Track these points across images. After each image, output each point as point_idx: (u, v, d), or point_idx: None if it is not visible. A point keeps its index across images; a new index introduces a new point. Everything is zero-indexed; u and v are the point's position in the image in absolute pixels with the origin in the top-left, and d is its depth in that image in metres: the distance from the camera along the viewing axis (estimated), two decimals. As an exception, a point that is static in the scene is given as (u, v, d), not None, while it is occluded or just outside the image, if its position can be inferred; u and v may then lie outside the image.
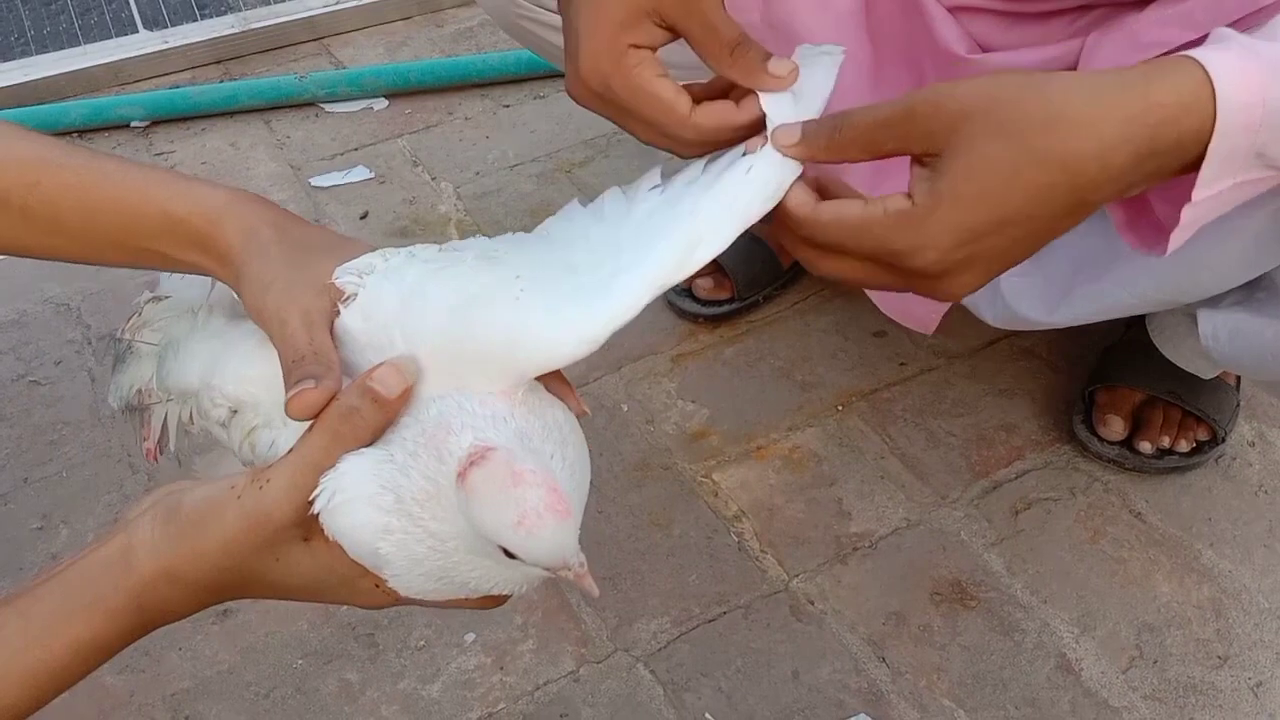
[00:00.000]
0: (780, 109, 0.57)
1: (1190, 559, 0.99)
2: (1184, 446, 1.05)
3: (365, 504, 0.48)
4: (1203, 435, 1.06)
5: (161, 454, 0.63)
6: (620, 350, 1.19)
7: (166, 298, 0.64)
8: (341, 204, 1.40)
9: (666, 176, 0.58)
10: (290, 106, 1.55)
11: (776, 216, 0.56)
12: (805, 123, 0.56)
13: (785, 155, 0.55)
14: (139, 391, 0.63)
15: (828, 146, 0.55)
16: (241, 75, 1.61)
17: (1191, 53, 0.53)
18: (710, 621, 0.96)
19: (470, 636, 0.94)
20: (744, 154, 0.56)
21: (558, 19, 0.97)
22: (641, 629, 0.95)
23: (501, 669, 0.92)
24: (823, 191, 0.57)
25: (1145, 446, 1.05)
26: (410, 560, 0.49)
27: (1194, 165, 0.53)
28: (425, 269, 0.54)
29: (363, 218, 1.38)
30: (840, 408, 1.14)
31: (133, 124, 1.51)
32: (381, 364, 0.50)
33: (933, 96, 0.53)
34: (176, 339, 0.60)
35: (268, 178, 1.44)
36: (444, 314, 0.51)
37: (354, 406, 0.49)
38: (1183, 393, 1.05)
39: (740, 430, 1.12)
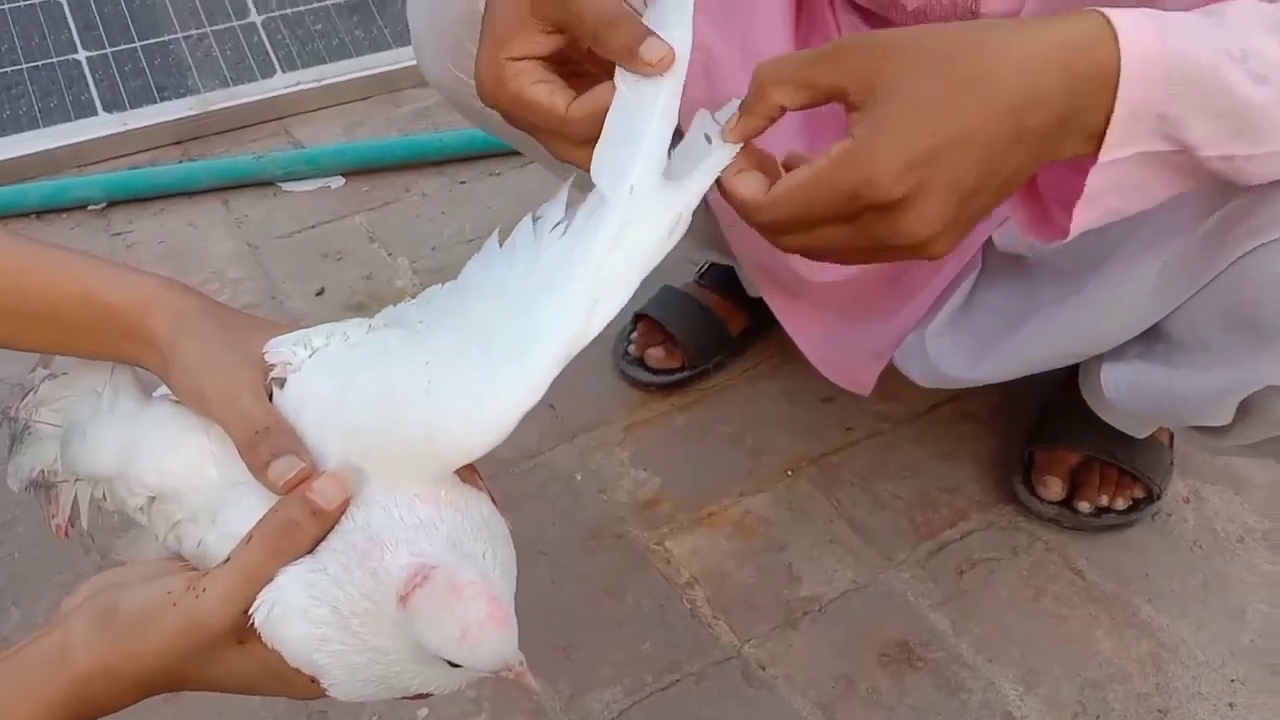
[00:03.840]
0: (633, 82, 0.55)
1: (1130, 615, 1.02)
2: (1121, 504, 1.09)
3: (301, 616, 0.49)
4: (1139, 493, 1.09)
5: (73, 528, 0.62)
6: (574, 420, 1.21)
7: (63, 374, 0.63)
8: (298, 280, 1.42)
9: (572, 201, 0.56)
10: (248, 186, 1.57)
11: (739, 212, 0.56)
12: (742, 101, 0.56)
13: (729, 140, 0.55)
14: (42, 472, 0.62)
15: (763, 95, 0.55)
16: (201, 156, 1.63)
17: (1088, 9, 0.56)
18: (663, 690, 0.97)
19: (424, 711, 0.94)
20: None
21: None
22: (594, 699, 0.96)
23: (455, 742, 0.93)
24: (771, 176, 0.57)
25: (1084, 505, 1.08)
26: (348, 669, 0.50)
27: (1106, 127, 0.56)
28: (354, 356, 0.55)
29: (319, 294, 1.40)
30: (789, 473, 1.16)
31: (90, 206, 1.53)
32: (322, 475, 0.51)
33: (861, 35, 0.56)
34: (81, 422, 0.59)
35: (225, 256, 1.46)
36: (367, 411, 0.52)
37: (293, 520, 0.50)
38: (1118, 452, 1.09)
39: (692, 497, 1.14)
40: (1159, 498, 1.09)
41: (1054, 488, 1.09)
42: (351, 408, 0.53)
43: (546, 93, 0.59)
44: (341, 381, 0.54)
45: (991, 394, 1.19)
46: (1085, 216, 0.60)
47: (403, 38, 1.76)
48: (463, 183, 1.58)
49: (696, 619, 1.02)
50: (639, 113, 0.55)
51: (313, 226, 1.51)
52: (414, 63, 1.04)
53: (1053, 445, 1.11)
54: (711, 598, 1.04)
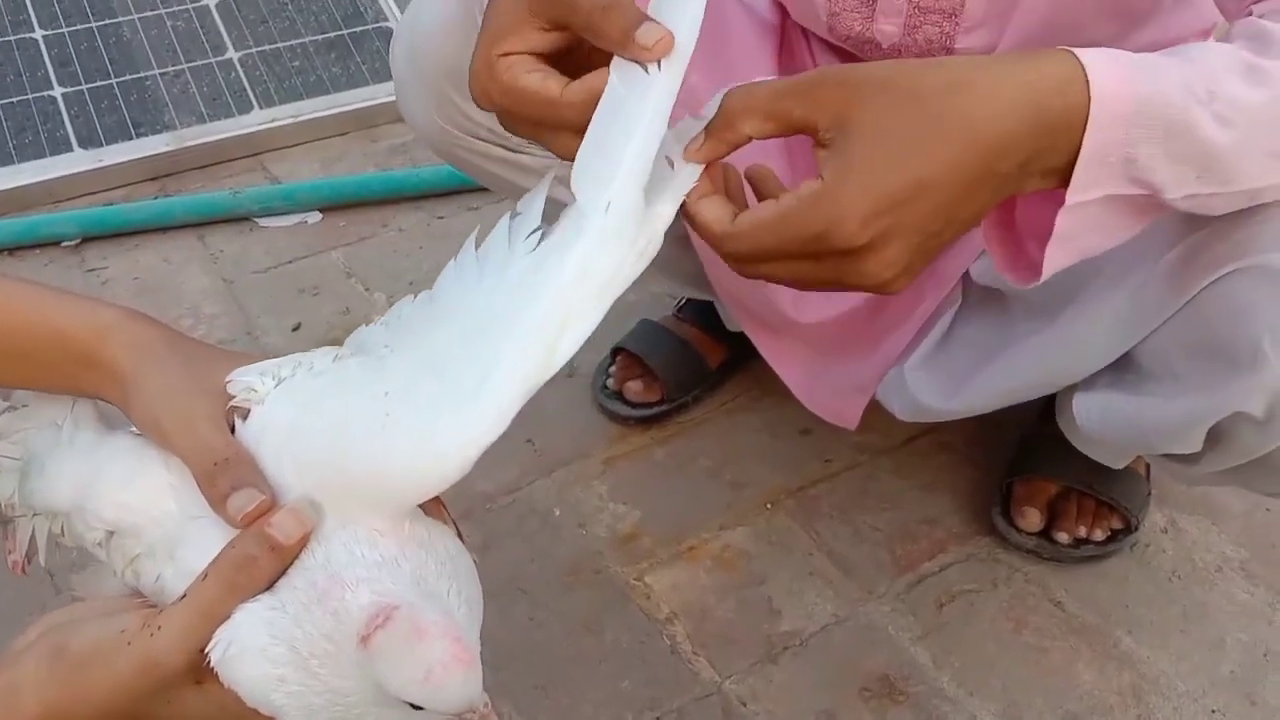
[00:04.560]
0: (627, 73, 0.52)
1: (1110, 646, 1.02)
2: (1099, 535, 1.09)
3: (259, 656, 0.47)
4: (1116, 524, 1.10)
5: (30, 564, 0.61)
6: (552, 454, 1.20)
7: (23, 406, 0.61)
8: (274, 316, 1.41)
9: (552, 195, 0.54)
10: (224, 221, 1.56)
11: (702, 237, 0.56)
12: (708, 123, 0.55)
13: (690, 160, 0.54)
14: None
15: (730, 123, 0.54)
16: (177, 191, 1.63)
17: (1061, 48, 0.56)
18: (643, 727, 0.96)
19: (400, 751, 0.93)
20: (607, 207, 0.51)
21: (491, 149, 1.01)
22: (574, 737, 0.95)
23: (432, 784, 0.91)
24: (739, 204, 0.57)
25: (1062, 536, 1.08)
26: (306, 710, 0.48)
27: (1073, 165, 0.56)
28: (317, 386, 0.53)
29: (295, 329, 1.39)
30: (769, 506, 1.16)
31: (64, 242, 1.52)
32: (281, 509, 0.49)
33: (836, 69, 0.55)
34: (40, 454, 0.58)
35: (200, 292, 1.45)
36: (326, 444, 0.51)
37: (251, 555, 0.48)
38: (1095, 483, 1.09)
39: (671, 531, 1.13)
40: (1137, 528, 1.10)
41: (1032, 519, 1.09)
42: (310, 440, 0.52)
43: (539, 80, 0.56)
44: (303, 412, 0.53)
45: (969, 425, 1.19)
46: (1056, 257, 0.60)
47: (380, 74, 1.77)
48: (440, 218, 1.58)
49: (676, 655, 1.02)
50: (628, 112, 0.52)
51: (289, 262, 1.50)
52: (391, 99, 1.04)
53: (1031, 476, 1.11)
54: (691, 633, 1.03)
